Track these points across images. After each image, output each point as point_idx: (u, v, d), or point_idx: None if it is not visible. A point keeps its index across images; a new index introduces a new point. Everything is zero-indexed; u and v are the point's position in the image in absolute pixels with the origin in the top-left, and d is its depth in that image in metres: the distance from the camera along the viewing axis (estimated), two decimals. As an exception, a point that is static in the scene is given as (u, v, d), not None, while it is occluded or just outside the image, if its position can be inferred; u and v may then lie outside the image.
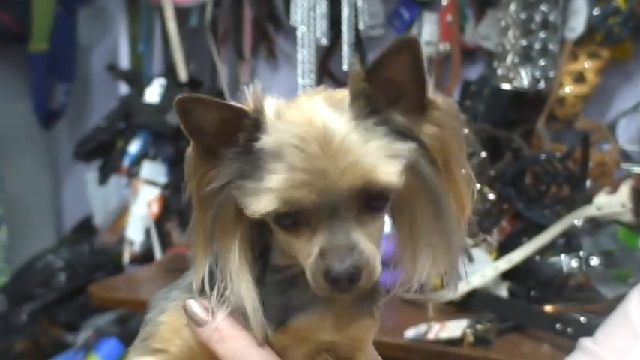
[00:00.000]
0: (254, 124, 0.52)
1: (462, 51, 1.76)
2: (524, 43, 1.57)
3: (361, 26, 1.72)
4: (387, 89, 0.52)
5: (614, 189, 1.39)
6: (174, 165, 1.91)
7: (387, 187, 0.51)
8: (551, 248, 1.37)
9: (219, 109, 0.52)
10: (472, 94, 1.64)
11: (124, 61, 2.15)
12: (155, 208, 1.86)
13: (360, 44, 1.76)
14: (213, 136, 0.53)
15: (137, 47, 2.11)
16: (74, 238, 2.25)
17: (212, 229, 0.55)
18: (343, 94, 0.53)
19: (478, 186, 1.42)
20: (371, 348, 0.61)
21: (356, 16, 1.72)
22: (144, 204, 1.87)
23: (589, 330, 0.95)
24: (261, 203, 0.51)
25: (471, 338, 1.23)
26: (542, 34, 1.56)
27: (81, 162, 2.14)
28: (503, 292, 1.37)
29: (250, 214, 0.52)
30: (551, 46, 1.57)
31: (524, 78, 1.57)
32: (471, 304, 1.33)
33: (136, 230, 1.89)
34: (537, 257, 1.37)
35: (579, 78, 1.60)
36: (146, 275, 1.81)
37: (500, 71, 1.60)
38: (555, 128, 1.67)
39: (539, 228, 1.39)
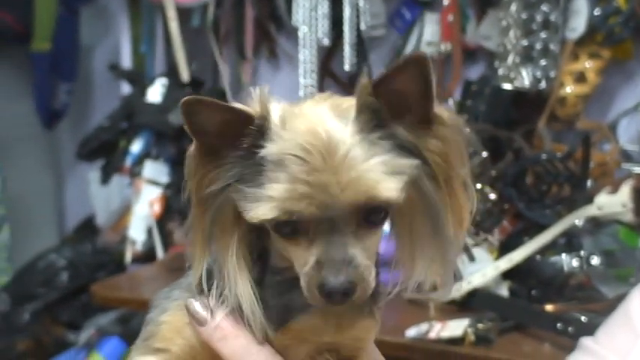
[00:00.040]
0: (259, 130, 0.52)
1: (463, 51, 1.76)
2: (525, 43, 1.57)
3: (363, 26, 1.73)
4: (393, 103, 0.52)
5: (615, 189, 1.39)
6: (177, 165, 1.91)
7: (388, 202, 0.51)
8: (552, 248, 1.37)
9: (224, 112, 0.52)
10: (473, 94, 1.64)
11: (126, 61, 2.15)
12: (157, 208, 1.86)
13: (361, 44, 1.77)
14: (216, 138, 0.52)
15: (139, 47, 2.11)
16: (76, 238, 2.25)
17: (211, 229, 0.55)
18: (349, 103, 0.53)
19: (479, 186, 1.43)
20: (373, 347, 0.62)
21: (357, 17, 1.73)
22: (146, 203, 1.87)
23: (590, 329, 0.95)
24: (261, 210, 0.51)
25: (472, 337, 1.23)
26: (543, 34, 1.56)
27: (83, 162, 2.14)
28: (504, 291, 1.37)
29: (249, 219, 0.52)
30: (552, 46, 1.57)
31: (525, 78, 1.57)
32: (472, 303, 1.33)
33: (138, 230, 1.89)
34: (538, 257, 1.37)
35: (580, 78, 1.60)
36: (148, 274, 1.81)
37: (501, 71, 1.60)
38: (556, 128, 1.67)
39: (540, 228, 1.39)
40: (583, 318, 1.21)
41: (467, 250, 1.36)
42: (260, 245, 0.57)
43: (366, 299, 0.53)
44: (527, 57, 1.58)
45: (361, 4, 1.71)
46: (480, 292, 1.34)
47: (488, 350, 1.23)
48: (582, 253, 1.33)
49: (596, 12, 1.55)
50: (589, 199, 1.38)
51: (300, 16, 1.72)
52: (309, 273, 0.52)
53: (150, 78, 2.02)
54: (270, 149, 0.51)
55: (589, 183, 1.44)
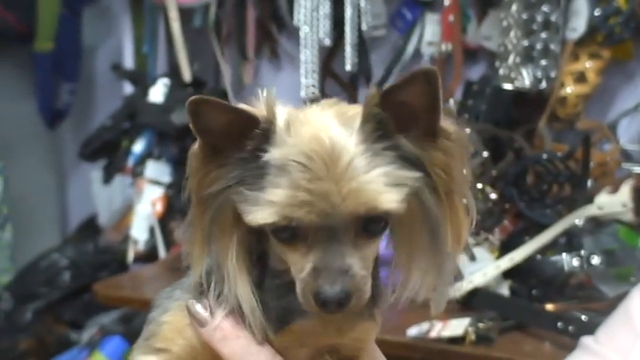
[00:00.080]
0: (264, 133, 0.52)
1: (464, 51, 1.76)
2: (525, 43, 1.57)
3: (364, 27, 1.73)
4: (400, 114, 0.52)
5: (615, 188, 1.39)
6: (179, 164, 1.91)
7: (388, 213, 0.52)
8: (552, 247, 1.37)
9: (230, 113, 0.52)
10: (474, 94, 1.64)
11: (129, 61, 2.16)
12: (159, 208, 1.87)
13: (362, 44, 1.77)
14: (221, 138, 0.53)
15: (141, 47, 2.11)
16: (79, 237, 2.25)
17: (210, 229, 0.55)
18: (355, 110, 0.53)
19: (480, 185, 1.43)
20: (374, 346, 0.62)
21: (359, 17, 1.73)
22: (148, 203, 1.87)
23: (590, 329, 0.95)
24: (260, 214, 0.51)
25: (472, 337, 1.24)
26: (543, 35, 1.57)
27: (86, 161, 2.15)
28: (504, 290, 1.38)
29: (248, 222, 0.52)
30: (552, 47, 1.57)
31: (525, 78, 1.57)
32: (472, 302, 1.33)
33: (140, 229, 1.90)
34: (539, 256, 1.37)
35: (580, 78, 1.61)
36: (150, 274, 1.81)
37: (502, 71, 1.60)
38: (557, 128, 1.67)
39: (540, 227, 1.40)
40: (583, 317, 1.21)
41: (468, 249, 1.36)
42: (260, 248, 0.57)
43: (363, 305, 0.53)
44: (528, 57, 1.58)
45: (362, 4, 1.72)
46: (480, 291, 1.34)
47: (489, 349, 1.23)
48: (583, 252, 1.33)
49: (597, 12, 1.56)
50: (589, 199, 1.38)
51: (301, 16, 1.72)
52: (305, 279, 0.52)
53: (152, 78, 2.02)
54: (273, 154, 0.51)
55: (589, 183, 1.44)
